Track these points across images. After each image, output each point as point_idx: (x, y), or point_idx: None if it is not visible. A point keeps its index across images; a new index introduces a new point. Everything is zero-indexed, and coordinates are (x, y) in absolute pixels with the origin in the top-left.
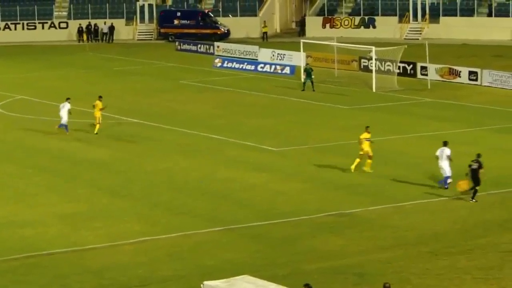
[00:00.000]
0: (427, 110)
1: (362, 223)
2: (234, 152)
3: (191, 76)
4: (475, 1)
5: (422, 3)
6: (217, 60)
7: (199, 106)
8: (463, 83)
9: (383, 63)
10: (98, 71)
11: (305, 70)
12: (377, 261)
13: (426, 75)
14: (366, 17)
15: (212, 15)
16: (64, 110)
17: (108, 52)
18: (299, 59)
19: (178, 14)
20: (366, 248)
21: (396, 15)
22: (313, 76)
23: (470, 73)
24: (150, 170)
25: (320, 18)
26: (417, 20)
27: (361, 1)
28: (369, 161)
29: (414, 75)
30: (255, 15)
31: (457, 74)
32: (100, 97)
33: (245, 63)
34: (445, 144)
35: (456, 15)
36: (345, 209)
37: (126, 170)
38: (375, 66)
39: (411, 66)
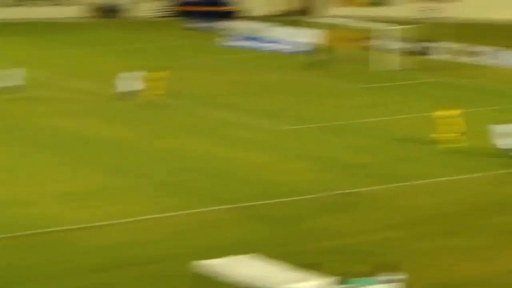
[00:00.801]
0: (434, 90)
1: (369, 202)
2: (239, 131)
3: (198, 54)
4: None
5: None
6: (224, 38)
7: (207, 85)
8: (479, 64)
9: (391, 42)
10: (104, 48)
11: (315, 48)
12: (382, 240)
13: (439, 54)
14: None
15: None
16: None
17: (116, 29)
18: (309, 37)
19: None
20: (372, 227)
21: None
22: (323, 54)
23: (487, 53)
24: (157, 149)
25: None
26: None
27: None
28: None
29: (425, 54)
30: None
31: (474, 54)
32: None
33: (253, 41)
34: None
35: None
36: (352, 188)
37: (133, 149)
38: (382, 45)
39: (422, 45)
